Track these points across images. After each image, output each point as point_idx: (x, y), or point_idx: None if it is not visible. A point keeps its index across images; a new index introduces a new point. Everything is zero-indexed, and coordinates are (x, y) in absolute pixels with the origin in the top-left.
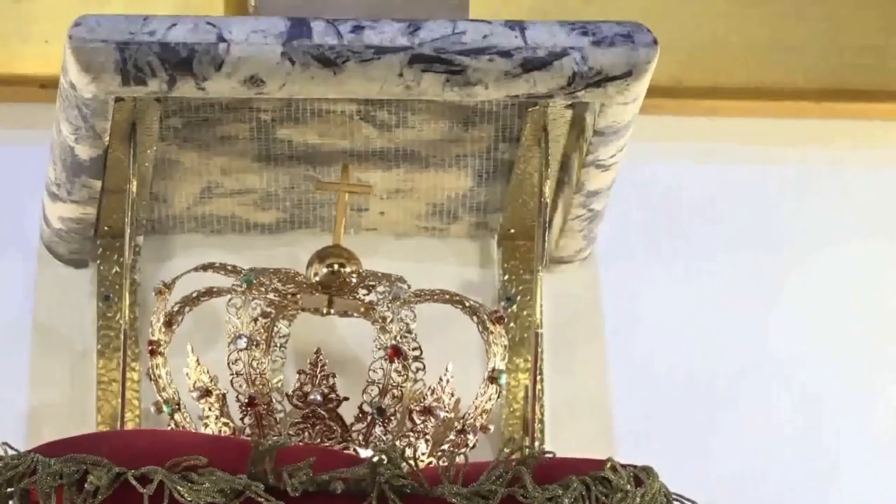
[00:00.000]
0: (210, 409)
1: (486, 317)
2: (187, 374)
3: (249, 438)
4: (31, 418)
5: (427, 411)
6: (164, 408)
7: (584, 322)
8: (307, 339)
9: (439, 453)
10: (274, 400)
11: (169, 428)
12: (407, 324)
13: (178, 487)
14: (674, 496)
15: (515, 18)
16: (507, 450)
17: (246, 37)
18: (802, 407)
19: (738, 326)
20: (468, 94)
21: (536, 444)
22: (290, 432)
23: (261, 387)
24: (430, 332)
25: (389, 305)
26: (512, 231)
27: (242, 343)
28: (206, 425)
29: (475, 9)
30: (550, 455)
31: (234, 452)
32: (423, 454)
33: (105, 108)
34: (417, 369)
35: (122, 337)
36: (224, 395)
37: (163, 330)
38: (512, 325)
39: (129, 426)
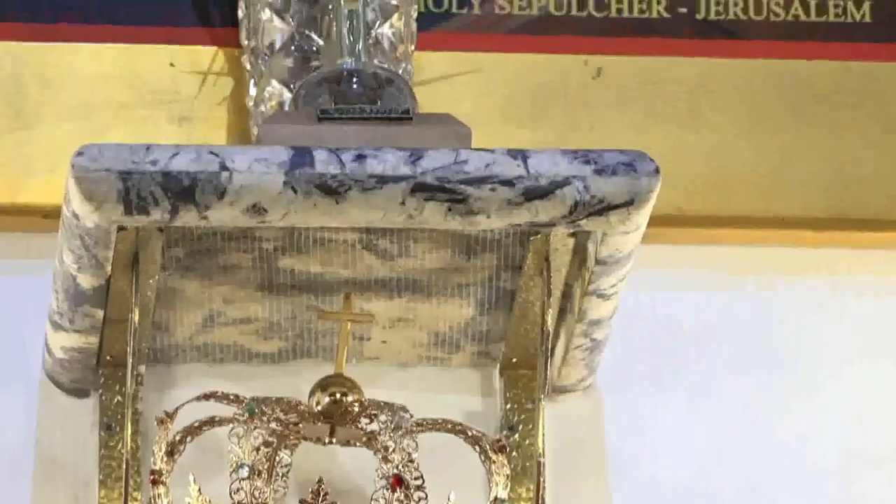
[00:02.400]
0: None
1: (488, 446)
2: (189, 503)
3: None
4: None
5: None
6: None
7: (586, 451)
8: (309, 469)
9: None
10: None
11: None
12: (409, 453)
13: None
14: None
15: (517, 147)
16: None
17: (248, 165)
18: None
19: (743, 454)
20: (470, 223)
21: None
22: None
23: None
24: (433, 461)
25: (391, 435)
26: (514, 360)
27: (244, 472)
28: None
29: (477, 137)
30: None
31: None
32: None
33: (107, 237)
34: (420, 499)
35: (124, 466)
36: None
37: (165, 459)
38: (514, 454)
39: None
